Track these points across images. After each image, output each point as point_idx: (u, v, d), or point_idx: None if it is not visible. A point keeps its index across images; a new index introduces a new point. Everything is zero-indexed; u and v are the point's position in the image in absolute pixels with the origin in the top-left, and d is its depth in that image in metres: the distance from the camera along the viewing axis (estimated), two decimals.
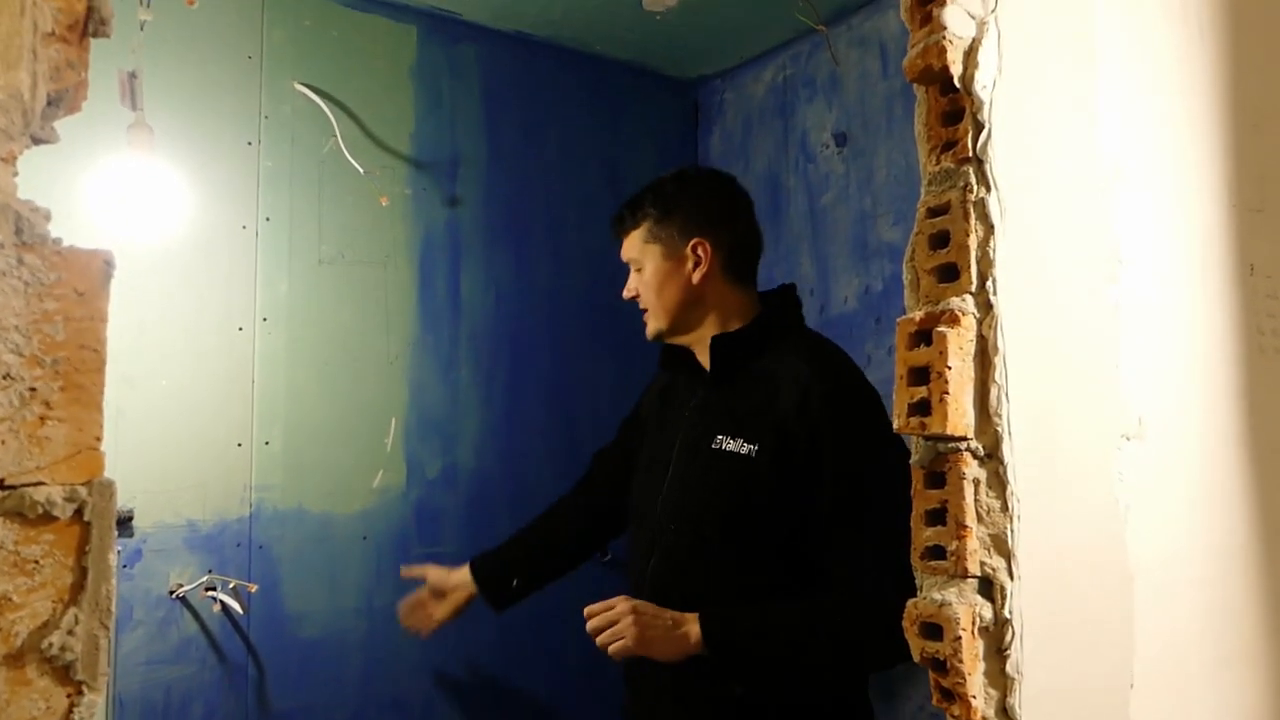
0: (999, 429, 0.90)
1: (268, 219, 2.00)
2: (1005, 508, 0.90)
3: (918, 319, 0.93)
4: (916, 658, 0.92)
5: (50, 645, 0.47)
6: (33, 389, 0.46)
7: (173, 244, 1.90)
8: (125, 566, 1.82)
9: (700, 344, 1.57)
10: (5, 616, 0.46)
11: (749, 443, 1.44)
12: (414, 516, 2.12)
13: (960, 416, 0.89)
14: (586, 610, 1.42)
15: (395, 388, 2.13)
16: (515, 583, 1.77)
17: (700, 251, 1.53)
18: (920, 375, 0.92)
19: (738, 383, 1.51)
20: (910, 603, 0.93)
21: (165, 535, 1.86)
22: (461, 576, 1.78)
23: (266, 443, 1.97)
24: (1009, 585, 0.89)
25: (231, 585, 1.87)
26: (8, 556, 0.46)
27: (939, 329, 0.90)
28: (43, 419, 0.47)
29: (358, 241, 2.10)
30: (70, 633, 0.47)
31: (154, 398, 1.86)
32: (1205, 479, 1.11)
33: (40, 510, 0.48)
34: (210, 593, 1.87)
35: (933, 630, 0.91)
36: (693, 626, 1.39)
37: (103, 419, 0.51)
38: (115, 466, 1.74)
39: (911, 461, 0.95)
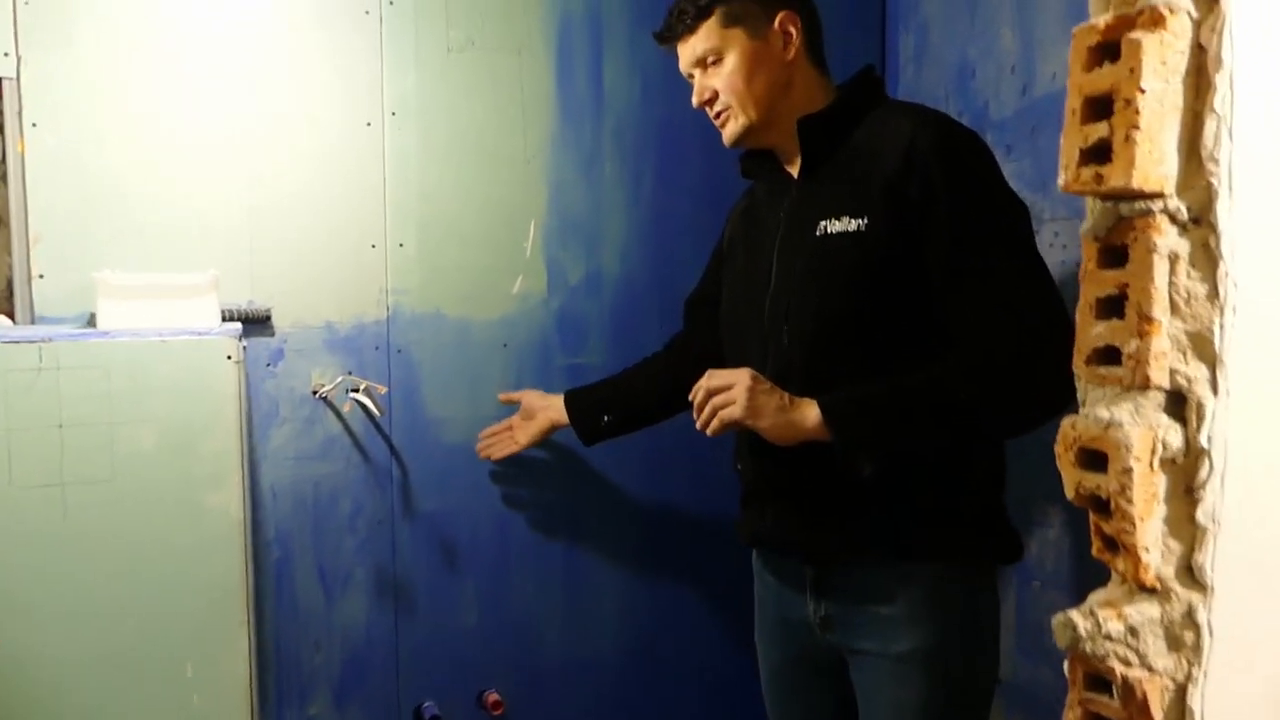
0: (1213, 182, 0.63)
1: (391, 2, 1.85)
2: (1214, 295, 0.64)
3: (1102, 24, 0.65)
4: (1071, 494, 0.70)
5: None
6: None
7: (292, 28, 1.79)
8: (268, 365, 1.83)
9: (785, 141, 1.43)
10: None
11: (855, 218, 1.30)
12: (555, 325, 2.01)
13: (1155, 163, 0.63)
14: (708, 372, 1.34)
15: (534, 188, 1.98)
16: (606, 419, 1.74)
17: (790, 26, 1.40)
18: (1100, 107, 0.65)
19: (832, 165, 1.38)
20: (1066, 422, 0.70)
21: (305, 336, 1.85)
22: (554, 402, 1.79)
23: (400, 245, 1.90)
24: (1210, 403, 0.64)
25: (363, 386, 1.85)
26: None
27: (1132, 35, 0.62)
28: None
29: (489, 26, 1.92)
30: None
31: (285, 196, 1.81)
32: None
33: None
34: (353, 394, 1.86)
35: (1095, 459, 0.68)
36: (810, 409, 1.28)
37: None
38: (250, 264, 1.71)
39: (1082, 230, 0.70)
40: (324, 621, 1.90)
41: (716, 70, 1.41)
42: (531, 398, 1.84)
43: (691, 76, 1.46)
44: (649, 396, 1.76)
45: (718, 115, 1.44)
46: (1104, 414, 0.67)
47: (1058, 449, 0.70)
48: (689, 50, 1.43)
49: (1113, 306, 0.67)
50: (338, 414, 1.87)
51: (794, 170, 1.44)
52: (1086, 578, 1.68)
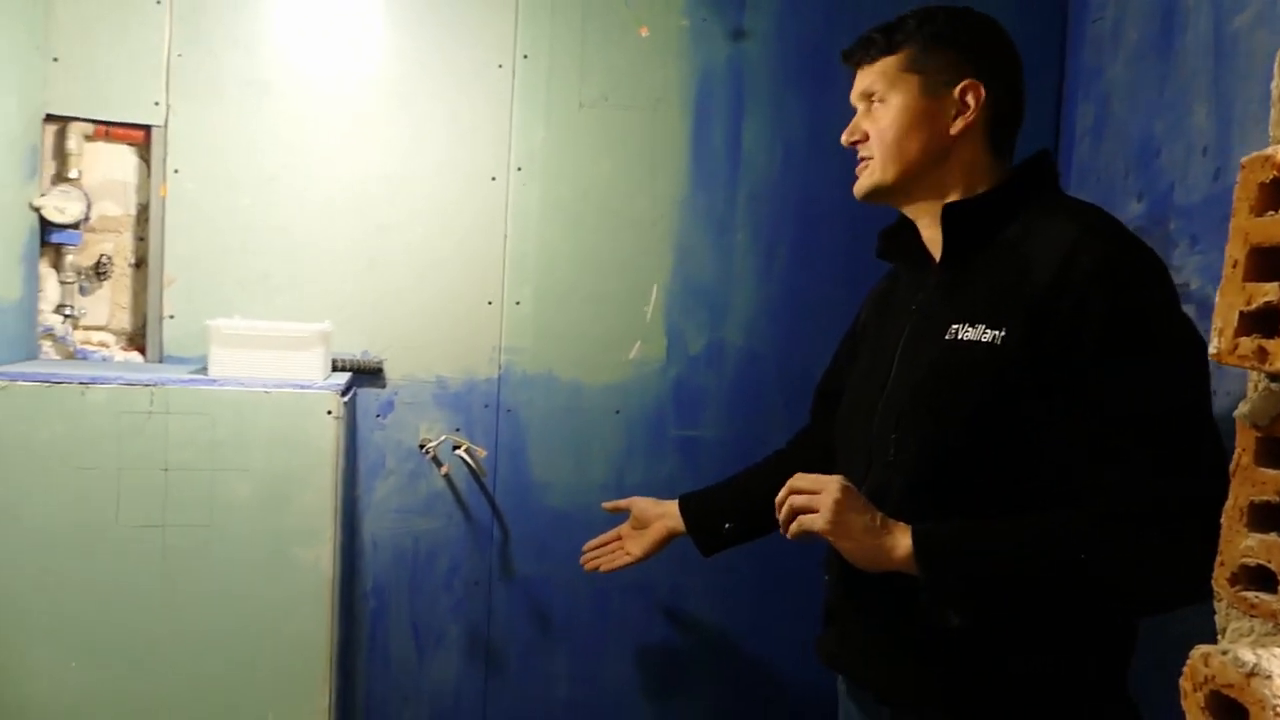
0: None
1: (525, 56, 1.83)
2: None
3: None
4: None
5: None
6: None
7: (422, 82, 1.80)
8: (378, 416, 1.83)
9: (930, 219, 1.25)
10: None
11: (993, 328, 1.12)
12: (671, 394, 1.92)
13: None
14: (795, 476, 1.19)
15: (659, 251, 1.91)
16: (728, 527, 1.55)
17: (970, 98, 1.21)
18: (1272, 263, 0.51)
19: (978, 260, 1.20)
20: (1197, 655, 0.55)
21: (415, 389, 1.84)
22: (668, 509, 1.59)
23: (517, 303, 1.86)
24: None
25: (465, 448, 1.81)
26: None
27: None
28: None
29: (624, 82, 1.87)
30: None
31: (405, 249, 1.82)
32: None
33: None
34: (457, 451, 1.83)
35: (1229, 710, 0.52)
36: (902, 537, 1.12)
37: None
38: (367, 315, 1.70)
39: (1238, 413, 0.55)
40: (414, 677, 1.87)
41: (876, 112, 1.25)
42: (642, 505, 1.63)
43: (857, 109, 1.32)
44: (771, 501, 1.59)
45: (859, 160, 1.29)
46: (1248, 657, 0.51)
47: (1184, 684, 0.55)
48: (862, 80, 1.29)
49: (1272, 517, 0.52)
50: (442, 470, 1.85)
51: (938, 256, 1.27)
52: None
